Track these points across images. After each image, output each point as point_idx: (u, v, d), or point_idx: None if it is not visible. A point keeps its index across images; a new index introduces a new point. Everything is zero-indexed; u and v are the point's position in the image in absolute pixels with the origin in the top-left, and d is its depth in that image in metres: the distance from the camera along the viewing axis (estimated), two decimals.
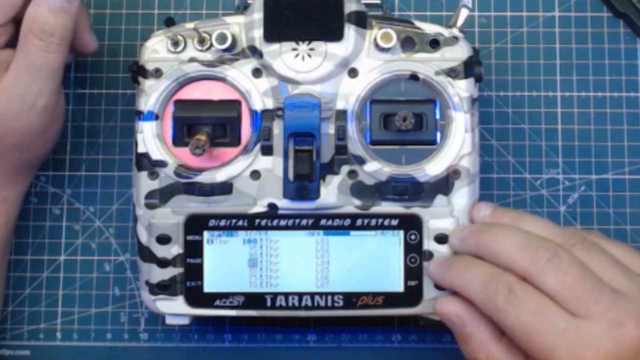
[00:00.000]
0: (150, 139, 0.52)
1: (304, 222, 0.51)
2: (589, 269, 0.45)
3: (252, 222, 0.51)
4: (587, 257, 0.46)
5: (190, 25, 0.52)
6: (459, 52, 0.52)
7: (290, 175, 0.50)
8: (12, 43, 0.51)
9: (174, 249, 0.52)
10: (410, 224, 0.51)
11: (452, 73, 0.52)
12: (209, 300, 0.52)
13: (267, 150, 0.51)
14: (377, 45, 0.52)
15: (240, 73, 0.52)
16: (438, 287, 0.51)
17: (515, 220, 0.49)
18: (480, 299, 0.46)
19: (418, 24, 0.52)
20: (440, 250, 0.51)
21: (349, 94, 0.51)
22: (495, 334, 0.46)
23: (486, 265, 0.47)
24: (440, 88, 0.51)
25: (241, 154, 0.52)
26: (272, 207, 0.51)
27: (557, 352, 0.43)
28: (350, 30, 0.51)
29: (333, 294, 0.52)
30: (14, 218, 0.55)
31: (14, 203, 0.55)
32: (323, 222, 0.51)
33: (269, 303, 0.52)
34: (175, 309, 0.52)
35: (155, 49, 0.52)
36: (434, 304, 0.49)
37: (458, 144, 0.51)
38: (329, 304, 0.51)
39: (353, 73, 0.52)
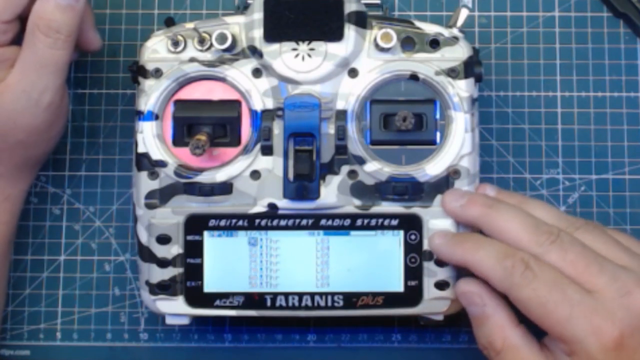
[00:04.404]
0: (150, 139, 0.52)
1: (304, 222, 0.51)
2: (589, 247, 0.46)
3: (252, 222, 0.51)
4: (590, 238, 0.47)
5: (190, 25, 0.52)
6: (459, 52, 0.52)
7: (290, 175, 0.50)
8: (18, 40, 0.51)
9: (174, 249, 0.52)
10: (411, 224, 0.51)
11: (452, 73, 0.52)
12: (209, 300, 0.52)
13: (267, 150, 0.51)
14: (377, 45, 0.52)
15: (240, 73, 0.52)
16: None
17: (521, 203, 0.50)
18: (496, 275, 0.46)
19: (418, 24, 0.52)
20: None
21: (349, 94, 0.51)
22: (513, 320, 0.47)
23: (498, 243, 0.47)
24: (440, 88, 0.51)
25: (241, 154, 0.52)
26: (272, 207, 0.51)
27: (574, 322, 0.44)
28: (350, 30, 0.51)
29: (333, 294, 0.52)
30: (17, 216, 0.55)
31: (17, 201, 0.55)
32: (323, 222, 0.51)
33: (269, 303, 0.52)
34: (175, 309, 0.52)
35: (155, 49, 0.52)
36: (456, 284, 0.49)
37: (458, 144, 0.51)
38: (329, 304, 0.51)
39: (353, 73, 0.52)
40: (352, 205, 0.51)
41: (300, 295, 0.52)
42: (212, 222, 0.52)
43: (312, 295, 0.52)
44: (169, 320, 0.53)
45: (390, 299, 0.51)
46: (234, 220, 0.51)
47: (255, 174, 0.52)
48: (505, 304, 0.47)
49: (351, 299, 0.51)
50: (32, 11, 0.50)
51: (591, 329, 0.44)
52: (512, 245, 0.47)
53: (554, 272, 0.45)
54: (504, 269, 0.46)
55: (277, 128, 0.51)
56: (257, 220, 0.51)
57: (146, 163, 0.52)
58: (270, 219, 0.51)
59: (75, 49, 0.52)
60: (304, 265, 0.52)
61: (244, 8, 0.53)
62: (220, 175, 0.51)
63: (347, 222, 0.51)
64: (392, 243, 0.51)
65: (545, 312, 0.45)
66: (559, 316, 0.44)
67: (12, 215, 0.55)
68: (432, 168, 0.51)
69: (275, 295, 0.52)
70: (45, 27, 0.49)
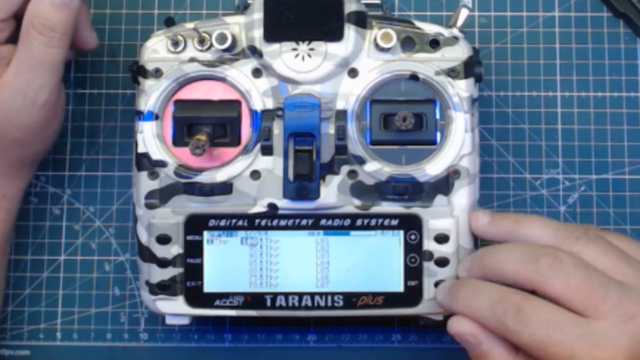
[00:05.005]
0: (150, 139, 0.52)
1: (304, 222, 0.51)
2: (592, 266, 0.45)
3: (252, 222, 0.51)
4: (593, 250, 0.46)
5: (190, 25, 0.52)
6: (459, 52, 0.52)
7: (290, 175, 0.50)
8: (14, 39, 0.51)
9: (174, 249, 0.52)
10: (410, 224, 0.51)
11: (452, 73, 0.52)
12: (209, 300, 0.52)
13: (267, 150, 0.51)
14: (377, 45, 0.52)
15: (240, 73, 0.52)
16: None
17: (515, 223, 0.49)
18: (491, 323, 0.45)
19: (418, 24, 0.52)
20: (441, 250, 0.51)
21: (349, 94, 0.51)
22: (511, 350, 0.46)
23: (491, 287, 0.46)
24: (440, 88, 0.51)
25: (241, 154, 0.52)
26: (272, 207, 0.51)
27: (576, 358, 0.43)
28: (350, 30, 0.51)
29: (333, 294, 0.52)
30: (14, 215, 0.55)
31: (14, 200, 0.55)
32: (323, 222, 0.51)
33: (269, 303, 0.52)
34: (175, 309, 0.52)
35: (155, 49, 0.52)
36: (448, 324, 0.48)
37: (458, 144, 0.51)
38: (329, 304, 0.51)
39: (353, 73, 0.52)
40: (352, 205, 0.51)
41: (300, 295, 0.52)
42: (212, 222, 0.52)
43: (312, 295, 0.52)
44: (169, 320, 0.53)
45: (390, 299, 0.51)
46: (234, 220, 0.51)
47: (255, 174, 0.52)
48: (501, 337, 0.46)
49: (351, 299, 0.51)
50: (27, 10, 0.50)
51: None
52: (514, 282, 0.45)
53: (549, 310, 0.44)
54: (497, 317, 0.45)
55: (277, 128, 0.51)
56: (257, 220, 0.51)
57: (146, 163, 0.52)
58: (270, 219, 0.51)
59: (71, 48, 0.52)
60: (304, 265, 0.52)
61: (244, 8, 0.53)
62: (220, 175, 0.51)
63: (347, 222, 0.51)
64: (392, 243, 0.51)
65: (546, 353, 0.43)
66: (560, 355, 0.43)
67: (9, 214, 0.55)
68: (432, 168, 0.51)
69: (275, 295, 0.52)
70: (40, 25, 0.49)
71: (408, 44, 0.52)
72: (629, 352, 0.43)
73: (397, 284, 0.51)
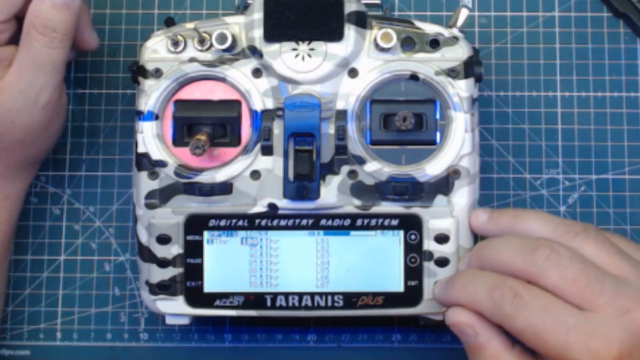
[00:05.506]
0: (150, 139, 0.52)
1: (304, 222, 0.51)
2: (588, 260, 0.45)
3: (252, 222, 0.51)
4: (592, 246, 0.46)
5: (190, 25, 0.52)
6: (459, 52, 0.52)
7: (290, 175, 0.50)
8: (15, 40, 0.51)
9: (174, 249, 0.52)
10: (410, 224, 0.51)
11: (452, 73, 0.52)
12: (209, 300, 0.52)
13: (267, 150, 0.51)
14: (377, 45, 0.52)
15: (240, 73, 0.52)
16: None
17: (514, 217, 0.49)
18: (487, 308, 0.45)
19: (418, 24, 0.52)
20: (441, 250, 0.51)
21: (349, 94, 0.51)
22: (507, 344, 0.46)
23: (488, 274, 0.46)
24: (440, 88, 0.51)
25: (241, 154, 0.52)
26: (272, 207, 0.51)
27: (571, 347, 0.43)
28: (350, 30, 0.51)
29: (333, 294, 0.52)
30: (16, 215, 0.55)
31: (16, 200, 0.55)
32: (323, 222, 0.51)
33: (269, 303, 0.52)
34: (175, 309, 0.52)
35: (155, 49, 0.52)
36: (446, 315, 0.48)
37: (458, 144, 0.51)
38: (329, 304, 0.51)
39: (353, 73, 0.52)
40: (352, 205, 0.51)
41: (300, 295, 0.52)
42: (212, 222, 0.52)
43: (312, 295, 0.52)
44: (169, 320, 0.53)
45: (390, 299, 0.51)
46: (234, 220, 0.51)
47: (255, 174, 0.52)
48: (498, 329, 0.46)
49: (351, 299, 0.51)
50: (28, 10, 0.50)
51: (589, 353, 0.43)
52: (510, 274, 0.46)
53: (545, 297, 0.44)
54: (494, 300, 0.45)
55: (277, 128, 0.51)
56: (257, 220, 0.51)
57: (146, 163, 0.52)
58: (270, 219, 0.51)
59: (72, 49, 0.52)
60: (304, 265, 0.52)
61: (244, 8, 0.53)
62: (220, 175, 0.51)
63: (347, 222, 0.51)
64: (392, 243, 0.51)
65: (540, 340, 0.43)
66: (555, 343, 0.43)
67: (12, 214, 0.55)
68: (432, 168, 0.51)
69: (275, 295, 0.52)
70: (41, 26, 0.49)
71: (408, 44, 0.52)
72: (623, 344, 0.43)
73: (397, 284, 0.51)
